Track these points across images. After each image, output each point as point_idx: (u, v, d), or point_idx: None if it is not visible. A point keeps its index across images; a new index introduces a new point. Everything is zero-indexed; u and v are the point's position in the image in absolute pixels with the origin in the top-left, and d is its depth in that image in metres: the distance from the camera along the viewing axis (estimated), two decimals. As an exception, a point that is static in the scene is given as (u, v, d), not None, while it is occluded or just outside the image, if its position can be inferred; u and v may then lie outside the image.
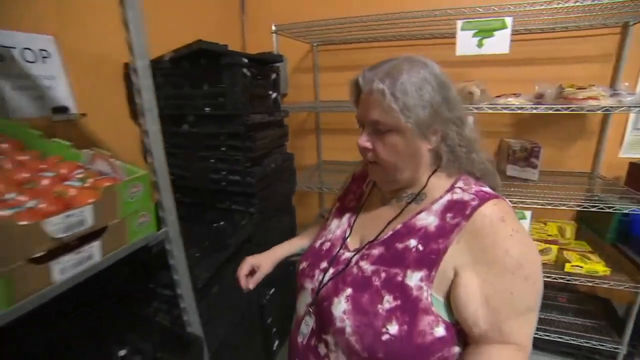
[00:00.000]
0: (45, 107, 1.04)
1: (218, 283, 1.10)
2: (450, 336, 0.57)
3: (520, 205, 1.41)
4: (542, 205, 1.37)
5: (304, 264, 0.75)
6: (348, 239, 0.72)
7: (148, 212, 0.76)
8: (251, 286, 0.83)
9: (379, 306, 0.58)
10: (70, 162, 0.77)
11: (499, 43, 1.28)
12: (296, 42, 1.78)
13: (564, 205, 1.35)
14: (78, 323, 0.89)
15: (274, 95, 1.36)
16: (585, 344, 1.49)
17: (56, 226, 0.56)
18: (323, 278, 0.68)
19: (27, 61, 0.98)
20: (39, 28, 1.00)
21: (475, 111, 1.38)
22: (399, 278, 0.59)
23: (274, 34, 1.55)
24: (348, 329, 0.60)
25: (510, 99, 1.39)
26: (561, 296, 1.78)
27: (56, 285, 0.59)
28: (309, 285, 0.71)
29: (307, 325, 0.70)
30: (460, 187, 0.62)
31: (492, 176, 0.67)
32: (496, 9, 1.31)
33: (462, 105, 0.62)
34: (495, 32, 1.27)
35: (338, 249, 0.71)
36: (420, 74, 0.57)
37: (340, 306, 0.62)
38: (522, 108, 1.34)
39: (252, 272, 0.85)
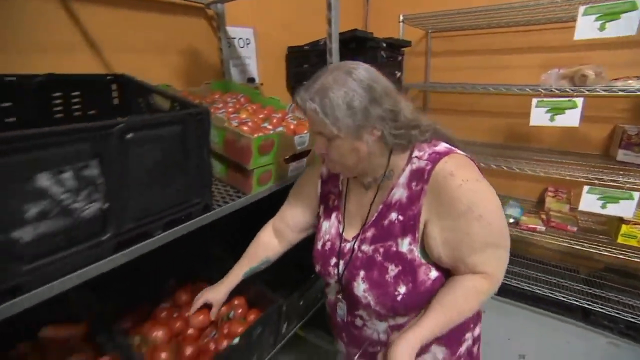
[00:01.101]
0: (244, 78, 1.52)
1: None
2: (442, 272, 0.71)
3: (628, 186, 1.43)
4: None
5: (317, 266, 0.86)
6: (344, 233, 0.82)
7: (327, 146, 1.14)
8: (212, 318, 0.92)
9: (387, 276, 0.71)
10: (281, 110, 1.18)
11: (626, 25, 1.23)
12: (413, 28, 2.02)
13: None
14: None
15: (399, 74, 1.65)
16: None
17: (297, 141, 0.96)
18: (338, 271, 0.80)
19: (240, 47, 1.45)
20: (246, 22, 1.47)
21: (588, 94, 1.41)
22: (394, 248, 0.71)
23: (401, 23, 1.82)
24: (372, 302, 0.73)
25: (630, 82, 1.39)
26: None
27: (287, 179, 1.00)
28: (331, 280, 0.84)
29: (342, 309, 0.85)
30: (416, 156, 0.71)
31: (440, 132, 0.75)
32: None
33: (392, 95, 0.67)
34: (622, 15, 1.23)
35: (339, 243, 0.81)
36: (345, 85, 0.63)
37: (360, 287, 0.74)
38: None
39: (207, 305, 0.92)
